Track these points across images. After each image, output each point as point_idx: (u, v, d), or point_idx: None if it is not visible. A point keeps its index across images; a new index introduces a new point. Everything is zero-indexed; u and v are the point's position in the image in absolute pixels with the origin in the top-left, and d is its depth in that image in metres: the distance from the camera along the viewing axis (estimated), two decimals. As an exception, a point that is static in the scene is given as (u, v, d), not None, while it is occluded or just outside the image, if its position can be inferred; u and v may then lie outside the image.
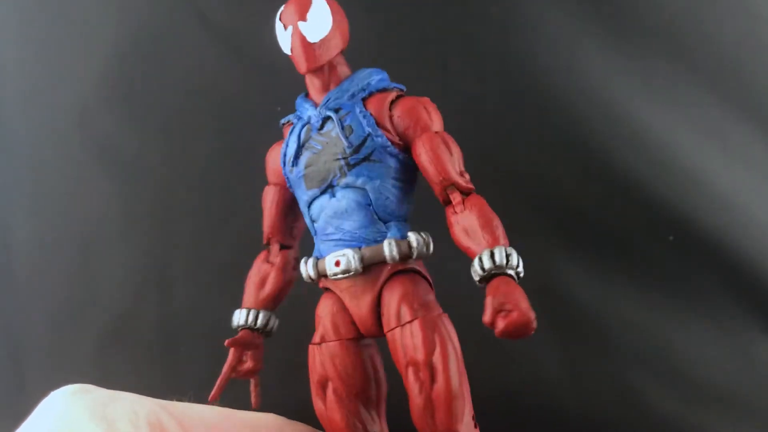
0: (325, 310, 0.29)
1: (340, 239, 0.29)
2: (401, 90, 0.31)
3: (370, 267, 0.28)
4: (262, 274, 0.33)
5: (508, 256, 0.26)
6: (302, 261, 0.31)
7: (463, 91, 0.44)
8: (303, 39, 0.30)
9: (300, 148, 0.30)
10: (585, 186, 0.46)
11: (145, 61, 0.46)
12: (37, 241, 0.48)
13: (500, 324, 0.25)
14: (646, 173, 0.45)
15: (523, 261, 0.27)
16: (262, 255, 0.33)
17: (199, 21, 0.46)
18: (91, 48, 0.47)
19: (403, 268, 0.29)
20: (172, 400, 0.29)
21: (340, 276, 0.29)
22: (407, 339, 0.27)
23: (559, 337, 0.46)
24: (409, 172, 0.30)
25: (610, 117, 0.45)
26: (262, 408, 0.32)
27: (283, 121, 0.32)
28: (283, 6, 0.30)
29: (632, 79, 0.45)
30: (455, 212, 0.28)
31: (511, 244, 0.28)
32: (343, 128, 0.29)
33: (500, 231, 0.27)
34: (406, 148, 0.29)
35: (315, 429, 0.30)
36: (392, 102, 0.30)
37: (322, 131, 0.30)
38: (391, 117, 0.29)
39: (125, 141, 0.47)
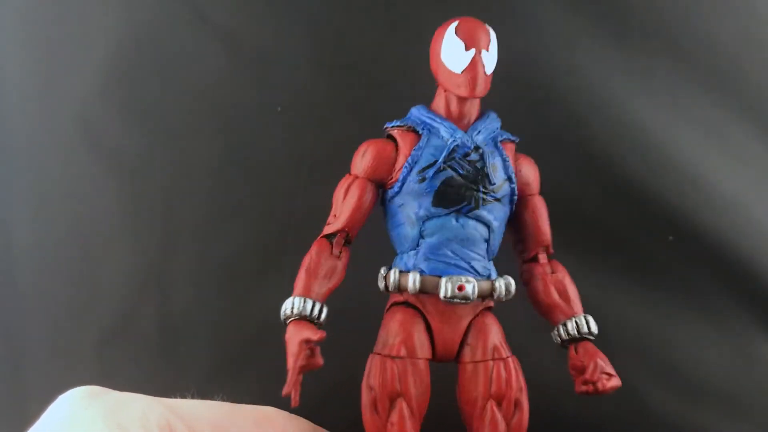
0: (405, 324, 0.30)
1: (455, 264, 0.30)
2: (516, 142, 0.33)
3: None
4: (329, 267, 0.31)
5: (594, 324, 0.32)
6: (390, 270, 0.31)
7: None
8: (483, 67, 0.31)
9: (442, 163, 0.31)
10: (585, 186, 0.46)
11: (145, 61, 0.46)
12: (38, 242, 0.48)
13: (603, 385, 0.30)
14: (646, 173, 0.45)
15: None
16: (324, 245, 0.32)
17: (199, 21, 0.46)
18: (91, 48, 0.47)
19: (489, 306, 0.31)
20: (175, 397, 0.29)
21: (456, 300, 0.30)
22: (498, 374, 0.30)
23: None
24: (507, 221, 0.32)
25: (610, 117, 0.45)
26: (262, 403, 0.31)
27: (395, 124, 0.32)
28: (461, 22, 0.32)
29: (632, 79, 0.45)
30: (546, 271, 0.33)
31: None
32: (491, 165, 0.31)
33: (579, 299, 0.33)
34: (518, 200, 0.32)
35: (315, 425, 0.30)
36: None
37: (467, 158, 0.31)
38: (517, 169, 0.32)
39: (125, 141, 0.47)
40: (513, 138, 0.33)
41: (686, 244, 0.46)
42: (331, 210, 0.32)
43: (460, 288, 0.29)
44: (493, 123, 0.32)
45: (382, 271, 0.31)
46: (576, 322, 0.31)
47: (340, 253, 0.31)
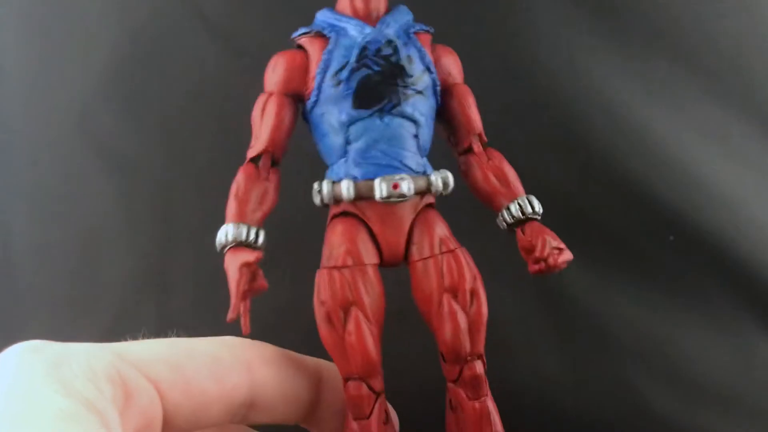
0: (346, 233, 0.29)
1: (387, 164, 0.29)
2: (431, 33, 0.32)
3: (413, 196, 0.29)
4: (259, 190, 0.30)
5: (538, 203, 0.31)
6: (327, 182, 0.29)
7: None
8: None
9: (355, 63, 0.29)
10: (585, 186, 0.46)
11: (145, 61, 0.46)
12: (37, 241, 0.48)
13: (555, 260, 0.29)
14: (646, 173, 0.45)
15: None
16: (250, 169, 0.30)
17: (199, 21, 0.46)
18: (91, 48, 0.47)
19: (430, 203, 0.30)
20: (125, 340, 0.27)
21: (393, 200, 0.28)
22: (449, 266, 0.28)
23: (559, 336, 0.46)
24: (436, 114, 0.31)
25: (610, 117, 0.45)
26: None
27: (301, 32, 0.31)
28: None
29: (632, 79, 0.45)
30: (482, 159, 0.31)
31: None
32: (406, 57, 0.29)
33: (520, 181, 0.31)
34: (442, 90, 0.31)
35: (277, 347, 0.29)
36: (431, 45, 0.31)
37: (380, 53, 0.29)
38: (435, 59, 0.31)
39: (125, 141, 0.47)
40: (427, 28, 0.31)
41: (687, 244, 0.46)
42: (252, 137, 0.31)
43: (395, 186, 0.28)
44: (403, 15, 0.31)
45: (315, 185, 0.30)
46: (519, 204, 0.30)
47: (268, 175, 0.30)
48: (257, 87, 0.46)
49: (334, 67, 0.29)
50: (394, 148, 0.29)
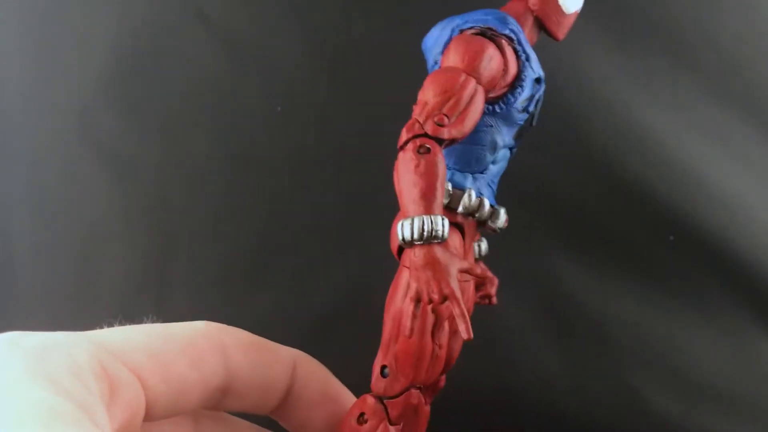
0: (459, 247, 0.28)
1: (495, 195, 0.29)
2: None
3: None
4: (444, 175, 0.25)
5: None
6: (466, 190, 0.27)
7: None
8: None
9: (535, 97, 0.29)
10: (585, 186, 0.46)
11: (145, 61, 0.46)
12: (37, 241, 0.48)
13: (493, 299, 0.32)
14: (646, 173, 0.45)
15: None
16: (438, 149, 0.25)
17: (199, 21, 0.46)
18: (91, 48, 0.47)
19: None
20: (101, 327, 0.26)
21: (497, 228, 0.29)
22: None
23: (559, 337, 0.46)
24: None
25: (610, 117, 0.45)
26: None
27: (501, 32, 0.28)
28: None
29: (633, 79, 0.45)
30: None
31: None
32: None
33: None
34: None
35: (253, 335, 0.28)
36: None
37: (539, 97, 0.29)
38: None
39: (125, 141, 0.47)
40: None
41: (687, 244, 0.46)
42: (433, 105, 0.25)
43: (506, 221, 0.29)
44: None
45: (448, 186, 0.27)
46: (479, 245, 0.30)
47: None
48: (257, 87, 0.46)
49: (526, 94, 0.28)
50: (496, 180, 0.30)
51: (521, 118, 0.28)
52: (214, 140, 0.46)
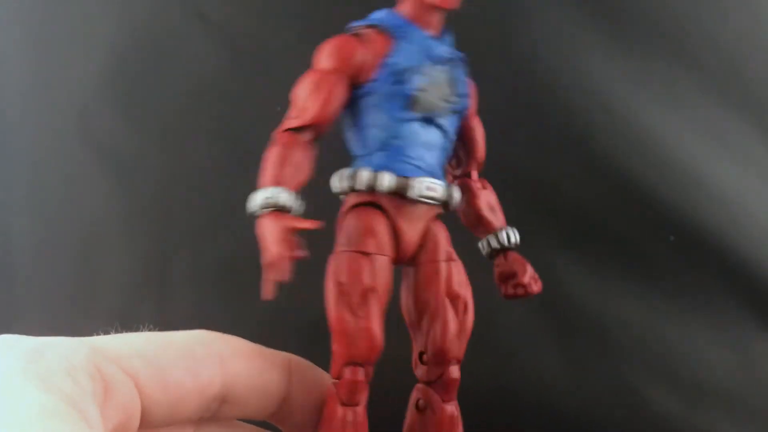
0: (372, 222, 0.30)
1: (420, 167, 0.30)
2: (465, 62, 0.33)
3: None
4: (299, 159, 0.29)
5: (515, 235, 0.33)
6: (359, 170, 0.30)
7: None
8: None
9: (418, 67, 0.30)
10: (585, 186, 0.46)
11: (145, 61, 0.46)
12: (37, 241, 0.48)
13: (532, 288, 0.32)
14: (646, 173, 0.45)
15: None
16: (290, 137, 0.29)
17: (199, 21, 0.46)
18: (91, 48, 0.47)
19: (439, 212, 0.31)
20: (98, 334, 0.26)
21: (426, 200, 0.30)
22: (454, 274, 0.30)
23: (559, 337, 0.46)
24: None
25: (610, 117, 0.45)
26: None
27: (363, 23, 0.31)
28: None
29: (632, 79, 0.45)
30: (480, 187, 0.33)
31: None
32: (454, 77, 0.31)
33: None
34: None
35: (252, 343, 0.29)
36: None
37: (439, 65, 0.31)
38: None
39: (125, 141, 0.47)
40: (461, 56, 0.33)
41: (687, 244, 0.46)
42: (289, 109, 0.30)
43: (430, 188, 0.30)
44: (450, 39, 0.32)
45: (345, 171, 0.30)
46: (507, 233, 0.33)
47: (308, 147, 0.29)
48: (257, 87, 0.46)
49: (399, 65, 0.30)
50: (430, 154, 0.30)
51: (400, 90, 0.30)
52: (214, 140, 0.46)
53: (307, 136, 0.30)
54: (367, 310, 0.28)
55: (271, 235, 0.28)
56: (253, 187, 0.41)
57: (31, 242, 0.48)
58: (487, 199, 0.33)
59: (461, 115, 0.32)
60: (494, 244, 0.33)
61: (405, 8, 0.32)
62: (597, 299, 0.46)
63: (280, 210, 0.28)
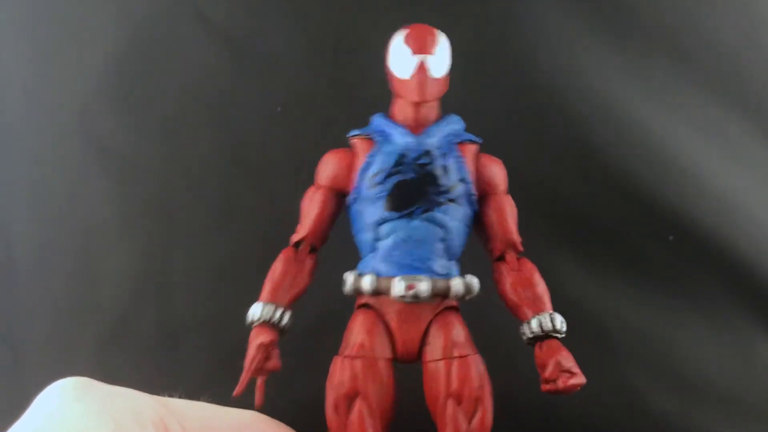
0: (364, 326, 0.30)
1: (409, 264, 0.30)
2: (479, 143, 0.33)
3: (432, 297, 0.31)
4: (293, 273, 0.32)
5: (562, 321, 0.31)
6: (352, 273, 0.31)
7: (462, 91, 0.44)
8: (427, 71, 0.31)
9: (391, 168, 0.31)
10: (585, 186, 0.46)
11: (145, 61, 0.46)
12: (37, 241, 0.48)
13: (564, 383, 0.30)
14: (646, 173, 0.45)
15: None
16: (290, 252, 0.33)
17: (199, 21, 0.46)
18: (91, 48, 0.47)
19: (452, 305, 0.31)
20: (163, 395, 0.29)
21: (408, 299, 0.30)
22: (457, 372, 0.30)
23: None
24: (472, 221, 0.32)
25: (610, 117, 0.45)
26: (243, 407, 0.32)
27: (355, 133, 0.33)
28: (410, 29, 0.32)
29: (632, 79, 0.46)
30: (511, 269, 0.32)
31: None
32: (442, 167, 0.31)
33: (548, 297, 0.32)
34: (479, 199, 0.32)
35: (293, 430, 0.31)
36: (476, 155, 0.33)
37: (418, 161, 0.31)
38: (476, 170, 0.32)
39: (125, 141, 0.47)
40: (475, 139, 0.33)
41: (686, 244, 0.46)
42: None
43: (410, 287, 0.30)
44: (451, 125, 0.32)
45: (345, 275, 0.32)
46: (540, 320, 0.31)
47: (305, 259, 0.33)
48: (257, 87, 0.46)
49: (373, 169, 0.31)
50: (419, 250, 0.31)
51: (376, 192, 0.31)
52: (214, 140, 0.46)
53: (305, 247, 0.33)
54: (355, 416, 0.29)
55: (249, 349, 0.30)
56: (253, 189, 0.41)
57: (31, 242, 0.48)
58: (522, 283, 0.32)
59: (468, 200, 0.32)
60: (527, 332, 0.32)
61: (392, 108, 0.33)
62: (596, 299, 0.46)
63: (268, 325, 0.31)
